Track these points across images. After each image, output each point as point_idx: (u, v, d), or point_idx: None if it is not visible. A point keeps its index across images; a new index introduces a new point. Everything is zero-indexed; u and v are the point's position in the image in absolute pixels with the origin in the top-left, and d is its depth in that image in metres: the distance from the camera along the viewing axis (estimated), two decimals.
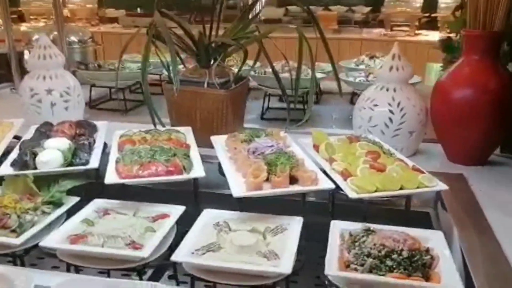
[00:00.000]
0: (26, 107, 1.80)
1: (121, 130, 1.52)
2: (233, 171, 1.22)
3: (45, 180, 1.23)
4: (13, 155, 1.32)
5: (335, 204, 1.18)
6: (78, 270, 1.02)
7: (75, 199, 1.19)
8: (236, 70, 1.75)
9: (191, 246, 0.98)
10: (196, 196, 1.24)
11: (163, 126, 1.56)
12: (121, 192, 1.21)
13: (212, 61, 1.67)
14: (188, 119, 1.65)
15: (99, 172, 1.27)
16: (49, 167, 1.23)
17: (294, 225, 1.06)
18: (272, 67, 1.62)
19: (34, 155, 1.25)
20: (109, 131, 1.52)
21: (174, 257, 0.94)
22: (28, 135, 1.50)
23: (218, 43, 1.63)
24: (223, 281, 0.93)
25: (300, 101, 2.15)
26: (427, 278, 0.89)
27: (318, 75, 1.97)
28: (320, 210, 1.20)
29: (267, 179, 1.14)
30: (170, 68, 1.51)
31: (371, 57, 2.30)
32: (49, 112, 1.79)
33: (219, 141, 1.43)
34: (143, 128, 1.48)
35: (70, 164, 1.26)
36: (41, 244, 0.99)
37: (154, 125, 1.56)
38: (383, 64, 1.55)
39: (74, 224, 1.08)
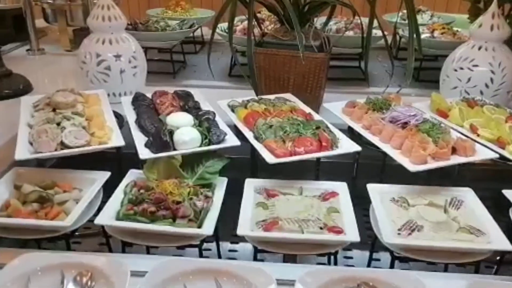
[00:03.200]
0: (91, 74, 1.65)
1: (220, 100, 1.44)
2: (382, 143, 1.20)
3: (186, 162, 1.16)
4: (138, 134, 1.22)
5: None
6: None
7: (224, 180, 1.13)
8: None
9: (393, 226, 0.97)
10: (356, 171, 1.21)
11: (257, 94, 1.49)
12: (271, 171, 1.17)
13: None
14: (278, 85, 1.58)
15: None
16: (190, 147, 1.15)
17: (469, 197, 1.07)
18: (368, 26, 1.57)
19: (171, 134, 1.16)
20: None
21: (387, 239, 0.93)
22: (126, 109, 1.39)
23: (316, 2, 1.55)
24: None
25: (356, 58, 2.13)
26: None
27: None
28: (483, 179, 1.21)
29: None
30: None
31: (417, 11, 2.27)
32: (118, 80, 1.66)
33: (333, 108, 1.40)
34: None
35: (209, 142, 1.18)
36: (241, 232, 0.94)
37: (256, 93, 1.49)
38: (483, 23, 1.54)
39: (252, 209, 1.03)
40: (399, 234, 0.96)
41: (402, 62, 2.25)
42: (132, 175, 1.14)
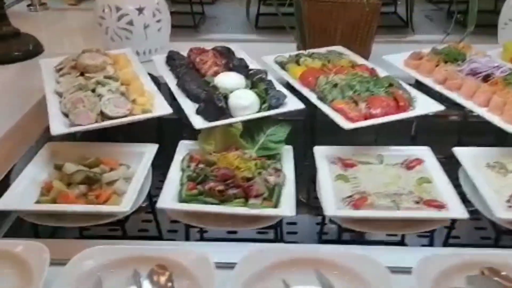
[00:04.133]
0: (111, 31, 1.47)
1: (264, 55, 1.28)
2: (464, 100, 1.06)
3: (244, 130, 1.01)
4: (184, 99, 1.07)
5: None
6: None
7: (289, 149, 1.00)
8: None
9: (499, 197, 0.85)
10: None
11: (304, 47, 1.33)
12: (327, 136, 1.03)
13: None
14: (324, 37, 1.42)
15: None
16: (250, 112, 1.01)
17: None
18: None
19: (225, 98, 1.01)
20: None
21: (499, 214, 0.81)
22: (161, 70, 1.23)
23: None
24: None
25: (390, 2, 1.95)
26: None
27: None
28: None
29: None
30: None
31: None
32: (142, 37, 1.48)
33: (394, 61, 1.25)
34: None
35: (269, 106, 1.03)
36: (329, 213, 0.81)
37: (304, 47, 1.33)
38: None
39: (331, 182, 0.90)
40: (510, 207, 0.83)
41: (438, 5, 2.08)
42: (184, 147, 1.00)
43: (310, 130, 1.18)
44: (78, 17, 1.96)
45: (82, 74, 1.16)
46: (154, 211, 1.02)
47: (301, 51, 1.30)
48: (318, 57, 1.22)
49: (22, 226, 0.95)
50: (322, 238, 0.97)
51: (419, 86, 1.17)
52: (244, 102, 1.00)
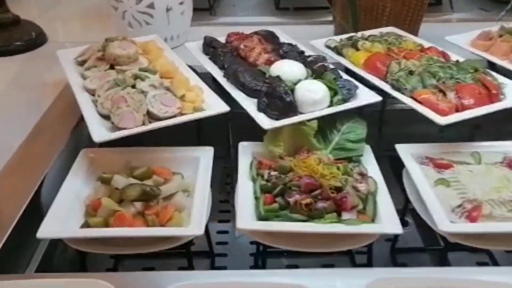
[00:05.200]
0: (129, 16, 1.30)
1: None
2: None
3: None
4: (237, 93, 0.92)
5: None
6: None
7: (368, 149, 0.86)
8: None
9: None
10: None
11: (356, 29, 1.19)
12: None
13: None
14: (370, 16, 1.28)
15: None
16: (322, 107, 0.87)
17: None
18: None
19: (292, 91, 0.87)
20: None
21: None
22: (200, 58, 1.07)
23: None
24: None
25: None
26: None
27: None
28: None
29: None
30: None
31: None
32: (164, 21, 1.32)
33: (459, 42, 1.12)
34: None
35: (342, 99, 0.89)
36: (444, 228, 0.68)
37: (356, 29, 1.18)
38: None
39: (431, 188, 0.77)
40: None
41: None
42: (246, 150, 0.86)
43: (378, 124, 1.04)
44: (79, 0, 1.76)
45: (111, 66, 0.99)
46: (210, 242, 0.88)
47: (351, 34, 1.15)
48: (378, 40, 1.08)
49: (56, 253, 0.81)
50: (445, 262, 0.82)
51: (492, 69, 1.05)
52: (314, 96, 0.85)
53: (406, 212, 0.88)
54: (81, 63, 1.04)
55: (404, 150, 0.84)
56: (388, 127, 1.04)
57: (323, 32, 1.37)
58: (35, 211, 0.77)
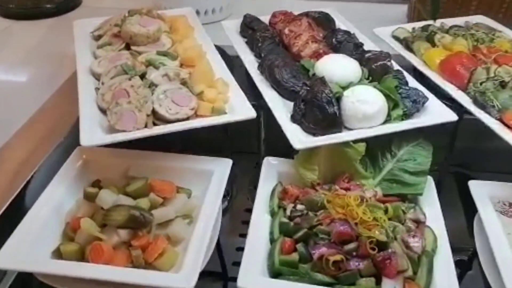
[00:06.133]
0: None
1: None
2: None
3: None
4: (270, 93, 0.73)
5: None
6: None
7: (430, 181, 0.65)
8: None
9: None
10: None
11: (434, 18, 0.95)
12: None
13: None
14: (456, 4, 1.04)
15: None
16: (376, 123, 0.67)
17: None
18: None
19: (337, 100, 0.67)
20: None
21: None
22: (235, 41, 0.89)
23: None
24: None
25: None
26: None
27: None
28: None
29: None
30: None
31: None
32: None
33: None
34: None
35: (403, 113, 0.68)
36: None
37: (434, 17, 0.95)
38: None
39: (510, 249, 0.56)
40: None
41: None
42: (270, 168, 0.67)
43: (447, 150, 0.82)
44: None
45: (127, 46, 0.84)
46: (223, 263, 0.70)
47: (428, 22, 0.92)
48: (459, 32, 0.85)
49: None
50: None
51: None
52: (367, 108, 0.65)
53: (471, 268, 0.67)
54: (97, 38, 0.89)
55: (480, 190, 0.63)
56: (460, 144, 0.82)
57: (393, 15, 1.15)
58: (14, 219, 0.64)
